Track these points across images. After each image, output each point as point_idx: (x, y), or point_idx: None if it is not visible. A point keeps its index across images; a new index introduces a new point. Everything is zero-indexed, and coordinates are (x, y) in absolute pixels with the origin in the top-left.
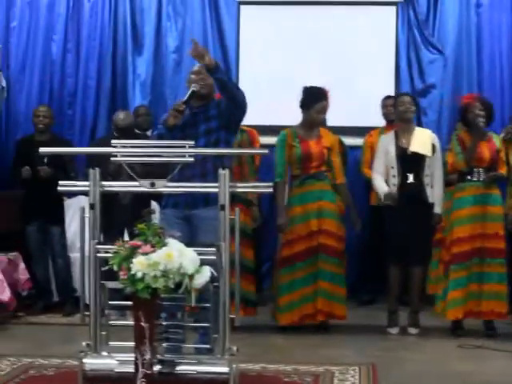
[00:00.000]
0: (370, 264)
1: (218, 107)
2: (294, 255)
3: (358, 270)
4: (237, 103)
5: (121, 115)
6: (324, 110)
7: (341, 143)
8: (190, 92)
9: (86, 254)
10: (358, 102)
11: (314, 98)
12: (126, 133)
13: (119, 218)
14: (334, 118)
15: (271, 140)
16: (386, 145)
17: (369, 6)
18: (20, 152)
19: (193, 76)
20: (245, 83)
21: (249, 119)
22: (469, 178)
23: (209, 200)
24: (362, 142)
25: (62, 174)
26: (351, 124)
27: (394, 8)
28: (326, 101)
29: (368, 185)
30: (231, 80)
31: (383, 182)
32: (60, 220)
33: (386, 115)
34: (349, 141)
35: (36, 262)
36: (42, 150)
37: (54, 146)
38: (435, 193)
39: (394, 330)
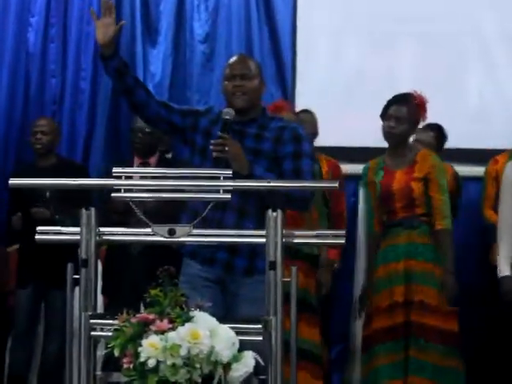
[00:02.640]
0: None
1: (278, 132)
2: (371, 335)
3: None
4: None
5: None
6: (395, 116)
7: (455, 176)
8: (222, 125)
9: (76, 331)
10: (475, 112)
11: (387, 104)
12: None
13: (130, 276)
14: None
15: (356, 169)
16: None
17: None
18: (14, 190)
19: (226, 83)
20: (305, 89)
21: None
22: None
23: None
24: (482, 171)
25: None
26: (467, 145)
27: None
28: (403, 105)
29: (490, 233)
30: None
31: (509, 248)
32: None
33: None
34: (464, 169)
35: (18, 342)
36: (12, 181)
37: (61, 173)
38: None
39: None
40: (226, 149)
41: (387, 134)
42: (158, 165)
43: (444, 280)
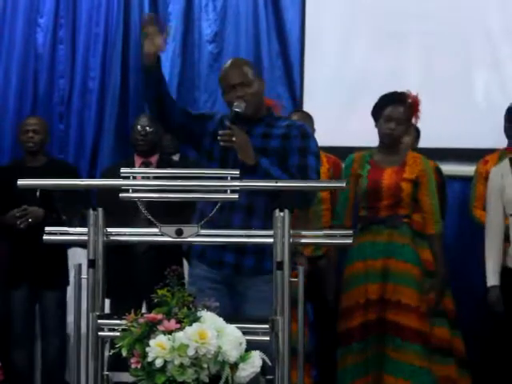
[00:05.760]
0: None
1: (286, 129)
2: (348, 331)
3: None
4: None
5: (144, 120)
6: (396, 118)
7: (438, 172)
8: (232, 114)
9: (83, 331)
10: (482, 111)
11: (382, 103)
12: (153, 147)
13: (133, 276)
14: (431, 136)
15: None
16: (501, 179)
17: None
18: (3, 187)
19: (228, 95)
20: (313, 89)
21: (322, 138)
22: None
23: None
24: (472, 170)
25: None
26: (474, 145)
27: None
28: (400, 105)
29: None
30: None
31: (497, 256)
32: (60, 281)
33: (510, 132)
34: (469, 169)
35: (17, 342)
36: (20, 182)
37: (51, 173)
38: None
39: None
40: (234, 139)
41: (388, 136)
42: (160, 164)
43: (434, 283)
